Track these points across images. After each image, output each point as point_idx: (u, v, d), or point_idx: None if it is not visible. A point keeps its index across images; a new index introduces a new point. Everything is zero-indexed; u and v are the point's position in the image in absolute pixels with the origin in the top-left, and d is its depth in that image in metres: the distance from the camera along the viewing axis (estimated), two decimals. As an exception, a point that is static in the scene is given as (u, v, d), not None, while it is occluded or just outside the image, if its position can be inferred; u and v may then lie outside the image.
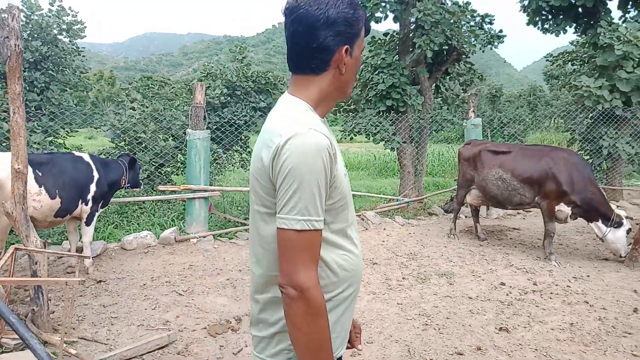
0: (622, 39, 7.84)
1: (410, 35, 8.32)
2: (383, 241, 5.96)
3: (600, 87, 7.94)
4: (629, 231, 4.95)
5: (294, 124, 1.11)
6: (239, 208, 7.03)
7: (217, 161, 7.91)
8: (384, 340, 3.28)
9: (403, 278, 4.56)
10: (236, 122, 8.29)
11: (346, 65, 1.20)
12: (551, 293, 4.19)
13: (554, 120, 21.39)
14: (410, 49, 8.42)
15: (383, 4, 7.96)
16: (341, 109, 9.61)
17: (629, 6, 9.20)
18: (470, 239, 6.16)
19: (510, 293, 4.20)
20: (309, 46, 1.16)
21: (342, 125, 9.08)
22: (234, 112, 8.65)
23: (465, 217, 7.29)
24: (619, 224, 4.91)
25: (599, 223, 5.01)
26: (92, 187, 4.51)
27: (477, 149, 5.95)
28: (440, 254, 5.41)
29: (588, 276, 4.64)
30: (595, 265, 5.01)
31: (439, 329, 3.44)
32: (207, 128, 7.25)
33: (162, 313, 3.72)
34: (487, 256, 5.37)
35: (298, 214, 1.08)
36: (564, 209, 5.13)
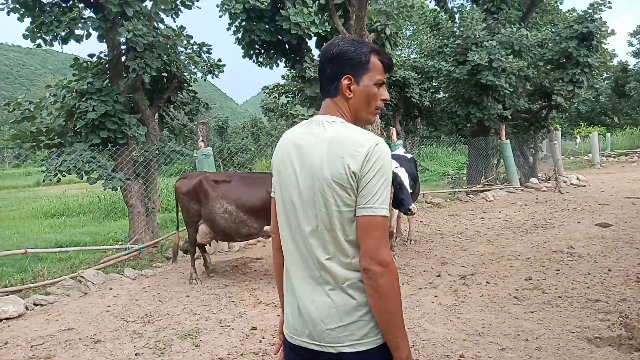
0: (324, 72, 8.91)
1: (123, 58, 7.35)
2: (109, 306, 4.73)
3: (312, 115, 8.77)
4: None
5: (367, 134, 1.41)
6: None
7: None
8: None
9: (136, 354, 3.56)
10: None
11: (353, 92, 1.48)
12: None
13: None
14: (124, 74, 7.42)
15: (82, 21, 6.73)
16: (42, 144, 7.71)
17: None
18: (214, 280, 5.58)
19: (263, 339, 3.77)
20: (322, 75, 1.52)
21: (45, 164, 7.25)
22: None
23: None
24: None
25: None
26: None
27: (196, 181, 5.47)
28: (182, 307, 4.62)
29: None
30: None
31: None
32: None
33: None
34: (235, 297, 4.88)
35: (383, 203, 1.36)
36: None
